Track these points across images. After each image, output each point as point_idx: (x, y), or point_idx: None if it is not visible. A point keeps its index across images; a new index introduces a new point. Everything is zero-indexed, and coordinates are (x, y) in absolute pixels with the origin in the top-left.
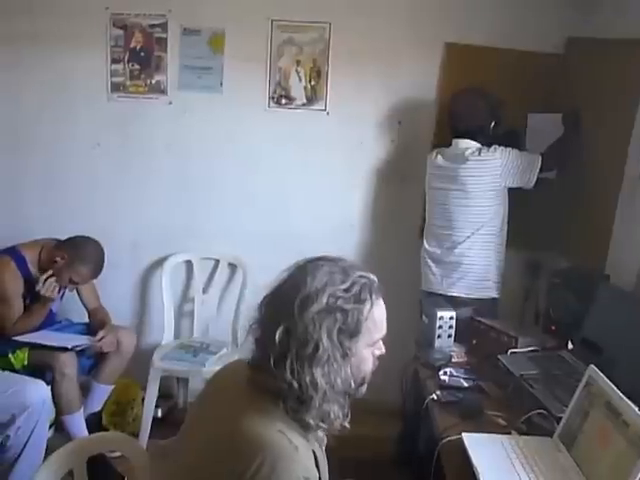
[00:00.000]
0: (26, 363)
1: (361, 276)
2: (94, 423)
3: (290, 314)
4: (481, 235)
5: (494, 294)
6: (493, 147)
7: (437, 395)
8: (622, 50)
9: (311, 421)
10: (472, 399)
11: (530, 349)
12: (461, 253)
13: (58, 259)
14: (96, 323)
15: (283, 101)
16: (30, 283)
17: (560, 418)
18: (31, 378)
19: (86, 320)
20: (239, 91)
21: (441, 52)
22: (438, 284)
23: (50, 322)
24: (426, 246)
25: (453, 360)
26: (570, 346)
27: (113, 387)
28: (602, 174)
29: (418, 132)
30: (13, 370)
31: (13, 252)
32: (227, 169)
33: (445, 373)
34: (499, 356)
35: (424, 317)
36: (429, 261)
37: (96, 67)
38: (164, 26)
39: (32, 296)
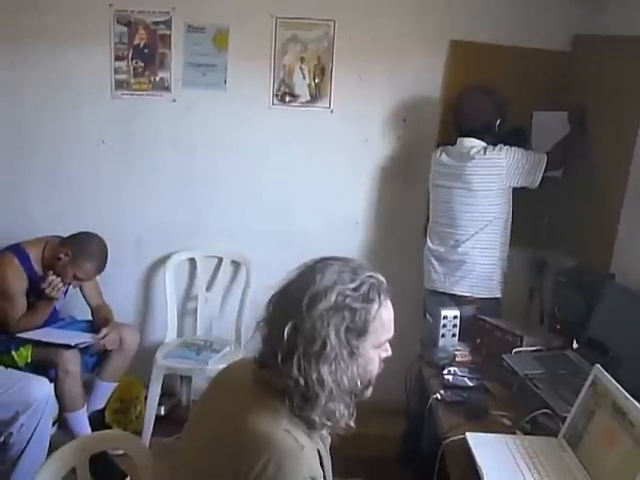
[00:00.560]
0: (29, 360)
1: (370, 276)
2: (97, 421)
3: (298, 311)
4: (485, 234)
5: (497, 294)
6: (499, 146)
7: (441, 394)
8: (629, 48)
9: (316, 419)
10: (476, 398)
11: (535, 348)
12: (464, 252)
13: (62, 256)
14: (99, 320)
15: (287, 99)
16: (34, 280)
17: (565, 418)
18: (34, 375)
19: (89, 317)
20: (243, 88)
21: (446, 50)
22: (441, 282)
23: (53, 319)
24: (429, 244)
25: (457, 359)
26: (575, 345)
27: (116, 385)
28: (608, 173)
29: (423, 130)
30: (16, 367)
31: (17, 249)
32: (231, 167)
33: (449, 372)
34: (504, 355)
35: (428, 316)
36: (432, 259)
37: (100, 64)
38: (168, 23)
39: (36, 293)
